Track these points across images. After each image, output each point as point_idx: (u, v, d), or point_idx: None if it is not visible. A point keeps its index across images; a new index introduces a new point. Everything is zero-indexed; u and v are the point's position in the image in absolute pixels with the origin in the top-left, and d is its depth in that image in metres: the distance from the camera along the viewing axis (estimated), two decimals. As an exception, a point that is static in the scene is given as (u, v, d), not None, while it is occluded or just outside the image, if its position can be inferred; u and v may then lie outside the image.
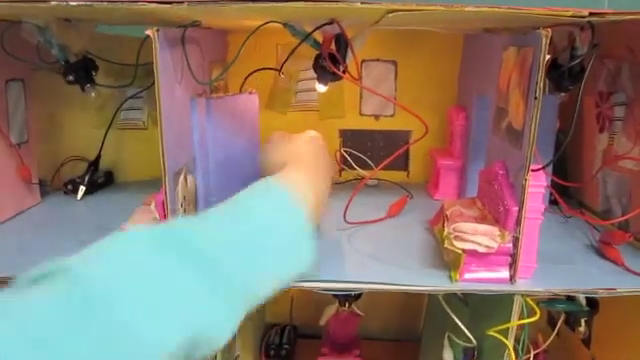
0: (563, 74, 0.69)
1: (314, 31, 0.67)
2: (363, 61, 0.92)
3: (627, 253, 0.67)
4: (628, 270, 0.64)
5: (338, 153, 0.94)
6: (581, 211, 0.82)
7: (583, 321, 0.75)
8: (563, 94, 0.72)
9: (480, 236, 0.60)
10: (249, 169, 0.76)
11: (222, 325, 0.46)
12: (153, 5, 0.54)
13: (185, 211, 0.65)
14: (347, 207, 0.74)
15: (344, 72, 0.71)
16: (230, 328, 0.46)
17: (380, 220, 0.78)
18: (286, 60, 0.71)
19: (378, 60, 0.93)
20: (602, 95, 0.77)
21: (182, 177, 0.65)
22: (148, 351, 0.38)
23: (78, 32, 0.75)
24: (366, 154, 0.93)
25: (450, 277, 0.62)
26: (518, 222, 0.60)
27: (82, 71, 0.77)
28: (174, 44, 0.63)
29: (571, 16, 0.57)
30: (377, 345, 0.93)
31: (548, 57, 0.57)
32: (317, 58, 0.72)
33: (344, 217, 0.74)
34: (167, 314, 0.41)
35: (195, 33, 0.71)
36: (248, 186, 0.55)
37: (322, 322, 0.88)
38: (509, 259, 0.61)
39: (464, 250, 0.60)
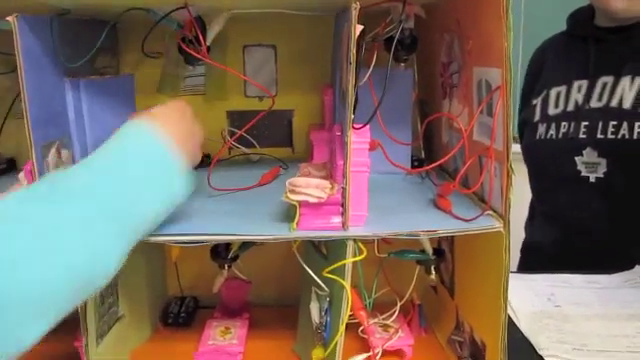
0: (397, 46, 0.81)
1: (167, 15, 0.78)
2: (245, 46, 1.04)
3: (462, 204, 0.79)
4: (453, 216, 0.76)
5: (225, 133, 1.05)
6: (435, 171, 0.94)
7: (432, 269, 0.87)
8: (403, 64, 0.83)
9: (312, 188, 0.72)
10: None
11: (103, 258, 0.55)
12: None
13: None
14: (209, 174, 0.85)
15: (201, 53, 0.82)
16: (113, 260, 0.56)
17: (249, 188, 0.89)
18: (144, 39, 0.82)
19: (259, 45, 1.04)
20: (444, 65, 0.89)
21: (54, 149, 0.76)
22: (34, 290, 0.48)
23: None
24: (252, 133, 1.04)
25: (290, 227, 0.73)
26: (344, 175, 0.71)
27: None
28: (42, 30, 0.74)
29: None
30: (267, 310, 1.04)
31: (360, 27, 0.68)
32: (181, 41, 0.83)
33: (208, 183, 0.86)
34: (47, 255, 0.50)
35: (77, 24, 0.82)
36: None
37: (215, 289, 0.98)
38: (340, 208, 0.73)
39: (298, 202, 0.72)
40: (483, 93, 0.75)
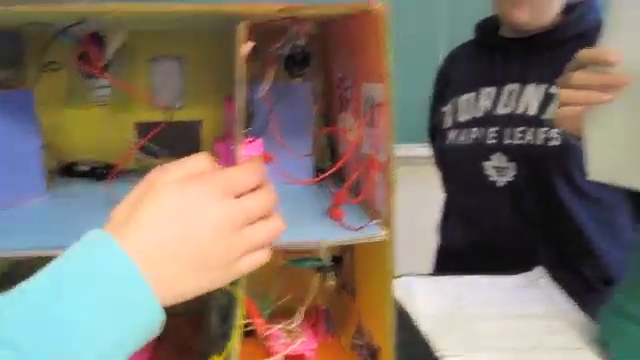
0: (290, 62, 0.85)
1: (63, 30, 0.80)
2: (152, 58, 1.06)
3: (355, 214, 0.83)
4: (343, 226, 0.80)
5: (134, 145, 1.07)
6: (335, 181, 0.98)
7: (330, 275, 0.91)
8: (299, 79, 0.87)
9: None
10: (29, 160, 0.88)
11: None
12: None
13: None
14: (106, 190, 0.87)
15: (103, 68, 0.84)
16: None
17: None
18: (43, 53, 0.83)
19: (165, 57, 1.06)
20: (339, 79, 0.93)
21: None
22: None
23: None
24: (160, 144, 1.06)
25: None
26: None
27: None
28: None
29: (264, 11, 0.72)
30: (176, 319, 1.06)
31: (250, 45, 0.72)
32: (79, 56, 0.85)
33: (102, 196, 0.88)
34: None
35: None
36: None
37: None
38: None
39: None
40: (369, 108, 0.80)
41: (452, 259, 1.58)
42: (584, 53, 0.91)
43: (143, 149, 1.06)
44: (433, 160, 1.64)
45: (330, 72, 0.98)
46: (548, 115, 1.02)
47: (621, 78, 0.86)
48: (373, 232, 0.77)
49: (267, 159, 0.80)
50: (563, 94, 0.93)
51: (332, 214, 0.83)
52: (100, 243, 0.49)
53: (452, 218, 1.62)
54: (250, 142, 0.74)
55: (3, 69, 0.93)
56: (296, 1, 0.72)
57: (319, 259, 0.89)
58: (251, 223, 0.55)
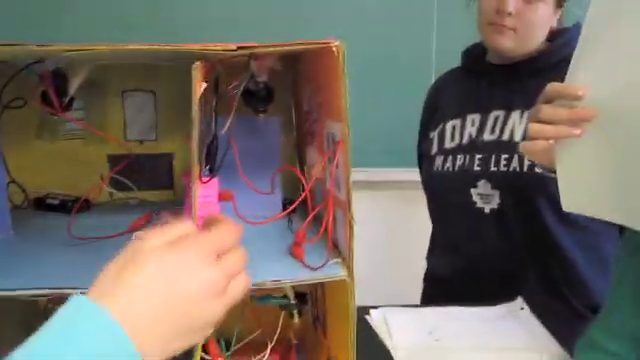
0: (252, 98, 0.85)
1: (23, 69, 0.80)
2: (124, 91, 1.06)
3: (317, 252, 0.82)
4: (303, 264, 0.79)
5: (106, 177, 1.07)
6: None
7: (295, 312, 0.90)
8: (261, 115, 0.87)
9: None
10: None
11: None
12: None
13: None
14: (69, 224, 0.87)
15: (66, 104, 0.85)
16: None
17: (116, 235, 0.91)
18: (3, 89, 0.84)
19: (137, 90, 1.07)
20: (307, 113, 0.93)
21: None
22: None
23: None
24: (132, 176, 1.07)
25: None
26: (190, 227, 0.74)
27: None
28: None
29: (222, 50, 0.72)
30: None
31: (204, 85, 0.72)
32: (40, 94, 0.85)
33: (68, 231, 0.87)
34: None
35: None
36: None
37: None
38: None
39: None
40: (330, 145, 0.79)
41: (439, 287, 1.57)
42: (551, 87, 0.90)
43: (115, 182, 1.06)
44: (421, 186, 1.64)
45: (299, 105, 0.98)
46: (520, 149, 1.01)
47: (588, 113, 0.86)
48: (333, 272, 0.76)
49: (227, 197, 0.79)
50: (532, 128, 0.93)
51: (294, 252, 0.82)
52: (88, 313, 0.49)
53: (438, 247, 1.61)
54: (206, 182, 0.74)
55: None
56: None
57: (284, 296, 0.88)
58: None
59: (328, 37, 0.70)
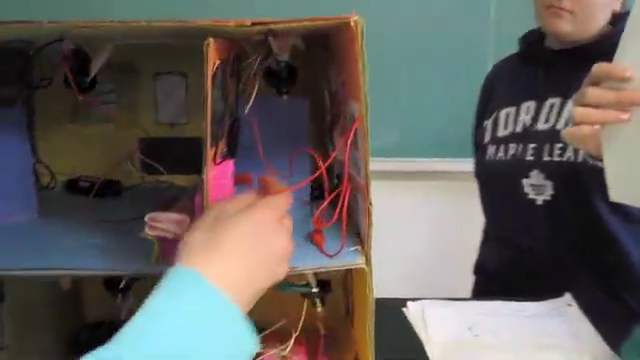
0: (274, 78, 0.82)
1: (42, 48, 0.80)
2: (156, 74, 1.05)
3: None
4: (321, 251, 0.76)
5: (137, 161, 1.07)
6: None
7: (318, 301, 0.87)
8: (285, 96, 0.84)
9: (171, 224, 0.72)
10: (21, 178, 0.89)
11: None
12: None
13: None
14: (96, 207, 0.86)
15: (88, 85, 0.84)
16: None
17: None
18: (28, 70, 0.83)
19: (170, 73, 1.06)
20: (335, 95, 0.90)
21: None
22: None
23: None
24: (163, 160, 1.05)
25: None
26: (202, 210, 0.72)
27: None
28: None
29: (235, 26, 0.69)
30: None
31: (217, 62, 0.70)
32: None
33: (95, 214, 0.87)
34: None
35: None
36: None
37: (122, 317, 0.99)
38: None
39: (156, 237, 0.72)
40: (349, 126, 0.76)
41: (488, 281, 1.52)
42: (598, 68, 0.85)
43: (146, 166, 1.05)
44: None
45: (323, 87, 0.95)
46: (563, 135, 0.95)
47: (637, 96, 0.80)
48: (350, 260, 0.73)
49: (245, 180, 0.77)
50: (577, 112, 0.88)
51: (314, 238, 0.79)
52: (190, 282, 0.55)
53: (489, 239, 1.55)
54: (219, 163, 0.72)
55: (4, 87, 0.94)
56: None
57: (306, 284, 0.85)
58: None
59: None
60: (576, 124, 0.89)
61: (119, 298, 0.92)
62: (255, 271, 0.60)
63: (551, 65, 1.40)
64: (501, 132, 1.45)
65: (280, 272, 0.64)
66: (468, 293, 1.55)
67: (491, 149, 1.46)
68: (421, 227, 2.45)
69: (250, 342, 0.56)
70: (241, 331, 0.55)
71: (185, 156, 1.06)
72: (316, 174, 0.71)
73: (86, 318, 1.07)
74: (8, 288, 0.89)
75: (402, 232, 2.32)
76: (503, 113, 1.46)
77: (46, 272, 0.73)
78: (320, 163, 0.71)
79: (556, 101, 1.37)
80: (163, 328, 0.51)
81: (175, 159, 1.07)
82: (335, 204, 0.79)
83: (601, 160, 0.90)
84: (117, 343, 0.50)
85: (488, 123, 1.50)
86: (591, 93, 0.85)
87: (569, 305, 1.15)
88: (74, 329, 1.05)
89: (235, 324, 0.55)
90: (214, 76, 0.69)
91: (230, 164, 0.73)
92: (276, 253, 0.63)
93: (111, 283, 0.90)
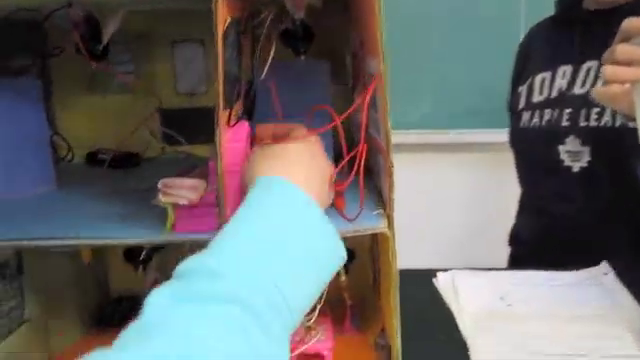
0: (290, 38, 0.79)
1: (50, 14, 0.78)
2: (174, 42, 1.03)
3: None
4: (341, 215, 0.73)
5: (156, 131, 1.05)
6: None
7: (342, 270, 0.84)
8: (302, 57, 0.81)
9: (184, 190, 0.70)
10: (38, 149, 0.88)
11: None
12: None
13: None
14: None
15: (103, 53, 0.82)
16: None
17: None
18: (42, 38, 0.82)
19: (187, 41, 1.03)
20: (355, 57, 0.86)
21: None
22: None
23: None
24: (183, 130, 1.04)
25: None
26: (217, 175, 0.69)
27: None
28: None
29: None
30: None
31: (227, 20, 0.67)
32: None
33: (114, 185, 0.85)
34: None
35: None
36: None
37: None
38: (216, 209, 0.71)
39: (170, 203, 0.70)
40: (368, 86, 0.72)
41: (523, 251, 1.48)
42: (628, 22, 0.80)
43: (166, 137, 1.03)
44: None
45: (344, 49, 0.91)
46: (593, 94, 0.91)
47: None
48: (370, 224, 0.70)
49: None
50: (607, 70, 0.83)
51: (335, 202, 0.76)
52: (279, 187, 0.60)
53: (525, 209, 1.51)
54: (233, 125, 0.69)
55: (18, 57, 0.92)
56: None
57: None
58: None
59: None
60: (606, 83, 0.85)
61: (140, 269, 0.90)
62: (312, 182, 0.64)
63: (588, 27, 1.34)
64: (536, 98, 1.41)
65: (329, 195, 0.70)
66: (502, 266, 1.51)
67: (526, 115, 1.42)
68: (454, 200, 2.41)
69: (339, 243, 0.61)
70: (330, 228, 0.60)
71: (205, 126, 1.04)
72: (331, 125, 0.68)
73: (109, 292, 1.06)
74: (27, 261, 0.88)
75: (434, 205, 2.29)
76: (538, 78, 1.41)
77: (62, 241, 0.72)
78: (336, 116, 0.68)
79: (593, 64, 1.31)
80: (255, 229, 0.56)
81: (195, 129, 1.05)
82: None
83: (633, 119, 0.85)
84: (210, 255, 0.53)
85: (523, 89, 1.45)
86: (621, 50, 0.81)
87: (605, 274, 1.10)
88: (97, 303, 1.04)
89: (324, 222, 0.60)
90: (225, 35, 0.66)
91: (245, 125, 0.70)
92: (327, 172, 0.68)
93: (131, 255, 0.89)
